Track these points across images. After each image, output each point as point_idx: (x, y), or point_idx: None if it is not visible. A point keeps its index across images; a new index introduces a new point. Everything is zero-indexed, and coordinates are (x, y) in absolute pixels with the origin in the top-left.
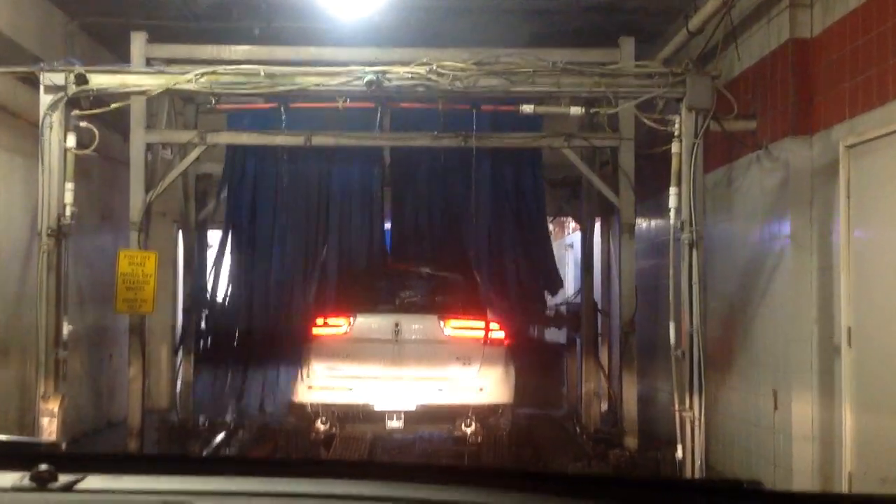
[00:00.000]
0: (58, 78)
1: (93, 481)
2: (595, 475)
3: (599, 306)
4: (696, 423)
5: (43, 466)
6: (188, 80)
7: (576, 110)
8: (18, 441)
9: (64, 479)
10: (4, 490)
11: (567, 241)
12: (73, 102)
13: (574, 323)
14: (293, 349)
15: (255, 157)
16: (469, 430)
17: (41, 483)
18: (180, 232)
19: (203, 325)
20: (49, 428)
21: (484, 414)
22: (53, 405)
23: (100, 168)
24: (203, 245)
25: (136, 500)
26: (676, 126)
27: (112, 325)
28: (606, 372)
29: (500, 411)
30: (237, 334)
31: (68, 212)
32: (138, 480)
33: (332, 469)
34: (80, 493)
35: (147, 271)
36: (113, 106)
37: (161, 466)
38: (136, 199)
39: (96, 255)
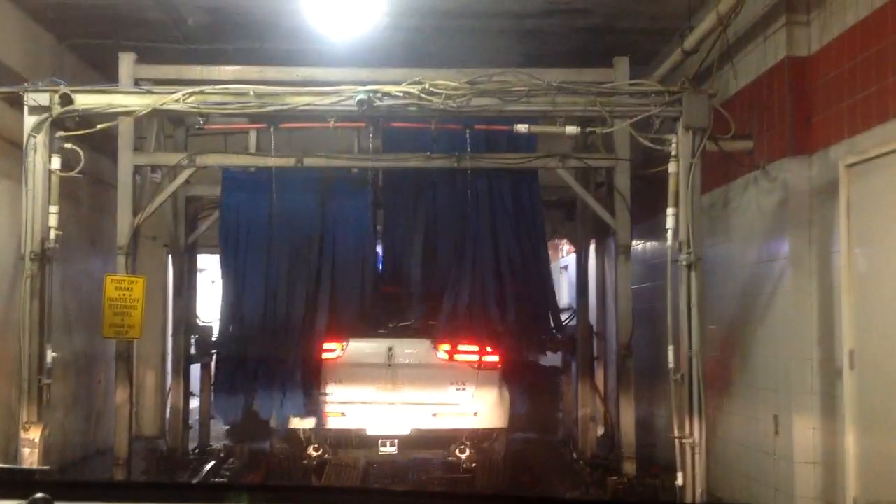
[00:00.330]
0: (42, 98)
1: None
2: (593, 502)
3: (595, 329)
4: (697, 448)
5: (39, 494)
6: (176, 99)
7: (571, 129)
8: (14, 469)
9: None
10: None
11: (562, 262)
12: (58, 123)
13: (569, 346)
14: (287, 374)
15: (249, 186)
16: (463, 456)
17: None
18: (170, 255)
19: (193, 350)
20: (30, 458)
21: (478, 439)
22: (35, 434)
23: (89, 191)
24: (193, 269)
25: None
26: (673, 146)
27: (101, 350)
28: (603, 396)
29: (495, 436)
30: (236, 360)
31: (52, 235)
32: None
33: (325, 496)
34: None
35: (134, 296)
36: (99, 127)
37: (156, 494)
38: (124, 222)
39: (85, 279)
